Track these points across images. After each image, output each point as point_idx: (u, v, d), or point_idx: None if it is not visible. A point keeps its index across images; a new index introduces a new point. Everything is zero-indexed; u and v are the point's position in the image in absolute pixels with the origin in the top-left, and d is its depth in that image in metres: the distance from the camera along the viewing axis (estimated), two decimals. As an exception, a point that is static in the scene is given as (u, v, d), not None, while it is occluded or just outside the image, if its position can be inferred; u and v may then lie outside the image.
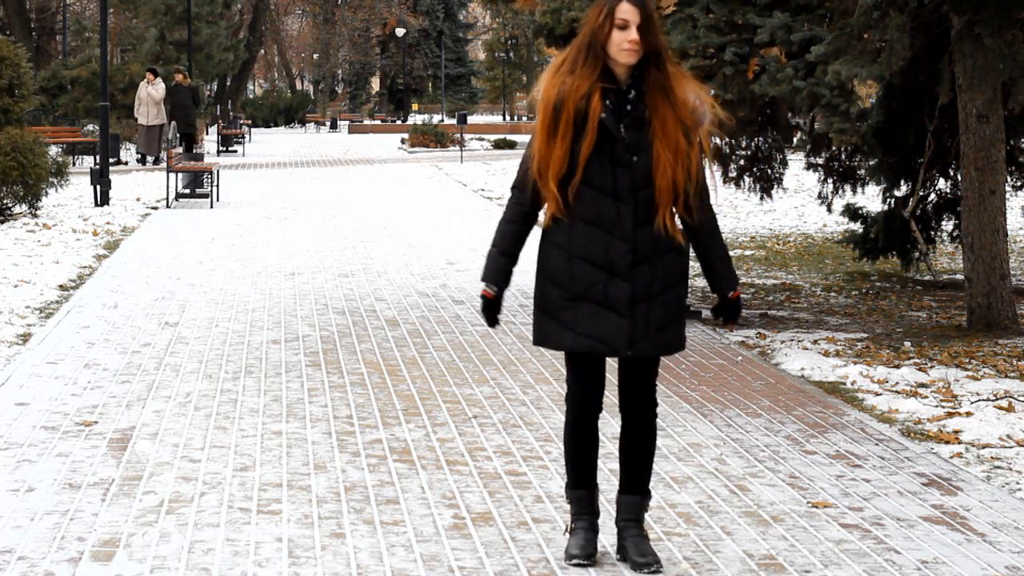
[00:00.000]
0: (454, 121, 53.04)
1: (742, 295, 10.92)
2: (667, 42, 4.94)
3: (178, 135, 31.52)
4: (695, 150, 4.87)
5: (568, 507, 5.21)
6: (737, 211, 21.71)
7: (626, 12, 4.79)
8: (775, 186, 12.91)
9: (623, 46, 4.80)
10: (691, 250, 5.05)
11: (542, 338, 5.04)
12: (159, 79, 32.12)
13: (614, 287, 4.88)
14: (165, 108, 31.78)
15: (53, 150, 24.15)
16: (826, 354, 9.53)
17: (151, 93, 31.67)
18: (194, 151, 29.95)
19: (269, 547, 5.32)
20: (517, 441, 7.03)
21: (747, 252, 16.32)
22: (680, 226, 4.96)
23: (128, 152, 35.19)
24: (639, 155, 4.85)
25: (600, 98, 4.83)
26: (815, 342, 10.01)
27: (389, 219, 20.09)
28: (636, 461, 5.11)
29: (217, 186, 22.77)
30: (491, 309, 5.04)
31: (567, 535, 5.20)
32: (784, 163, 12.92)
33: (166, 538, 5.42)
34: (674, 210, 4.93)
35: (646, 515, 5.19)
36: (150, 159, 32.50)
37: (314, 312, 11.26)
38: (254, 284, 12.95)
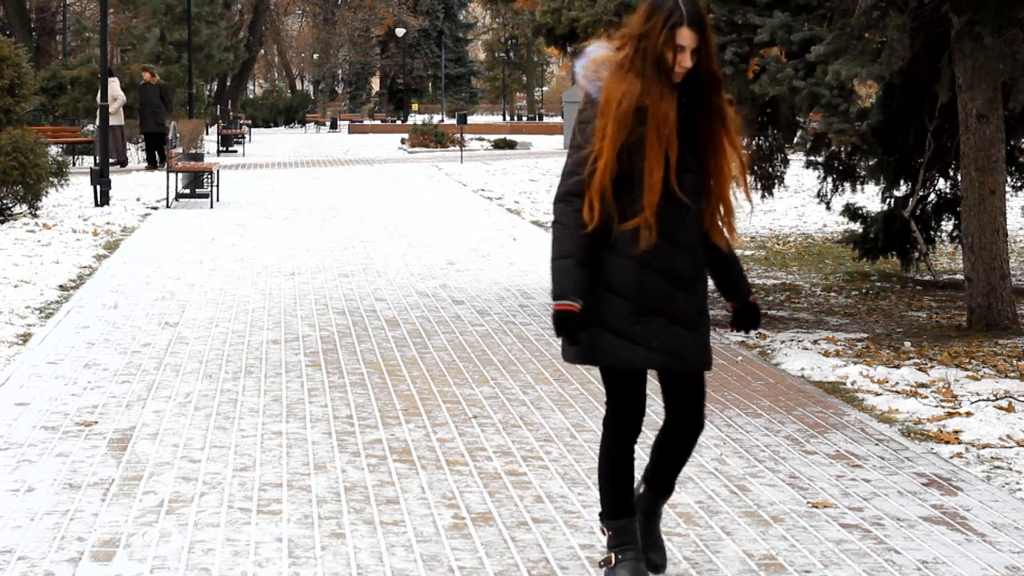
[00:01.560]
0: (454, 121, 53.06)
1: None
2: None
3: (149, 134, 30.97)
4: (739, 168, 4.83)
5: (604, 536, 4.94)
6: (737, 210, 21.69)
7: (685, 37, 4.61)
8: (777, 184, 12.92)
9: (678, 69, 4.65)
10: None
11: (603, 355, 4.69)
12: (114, 78, 30.55)
13: (681, 299, 4.70)
14: (148, 109, 30.42)
15: (53, 150, 24.15)
16: (826, 354, 9.53)
17: (112, 93, 29.53)
18: (164, 153, 29.20)
19: (269, 547, 5.32)
20: (517, 441, 7.03)
21: (747, 252, 16.32)
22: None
23: (128, 152, 35.17)
24: (700, 162, 4.73)
25: (674, 108, 4.64)
26: (815, 342, 10.01)
27: (389, 219, 20.09)
28: (671, 464, 4.96)
29: (217, 186, 22.78)
30: (575, 326, 4.63)
31: (606, 567, 4.88)
32: (785, 161, 12.92)
33: (166, 538, 5.42)
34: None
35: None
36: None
37: (314, 312, 11.26)
38: (254, 284, 12.95)
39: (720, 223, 4.80)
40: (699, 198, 4.73)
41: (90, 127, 32.97)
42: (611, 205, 4.62)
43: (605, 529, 4.90)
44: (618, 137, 4.60)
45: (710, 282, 4.92)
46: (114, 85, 29.55)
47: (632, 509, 4.87)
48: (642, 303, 4.66)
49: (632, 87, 4.63)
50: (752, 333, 10.40)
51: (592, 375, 8.72)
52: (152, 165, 31.22)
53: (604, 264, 4.68)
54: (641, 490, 5.02)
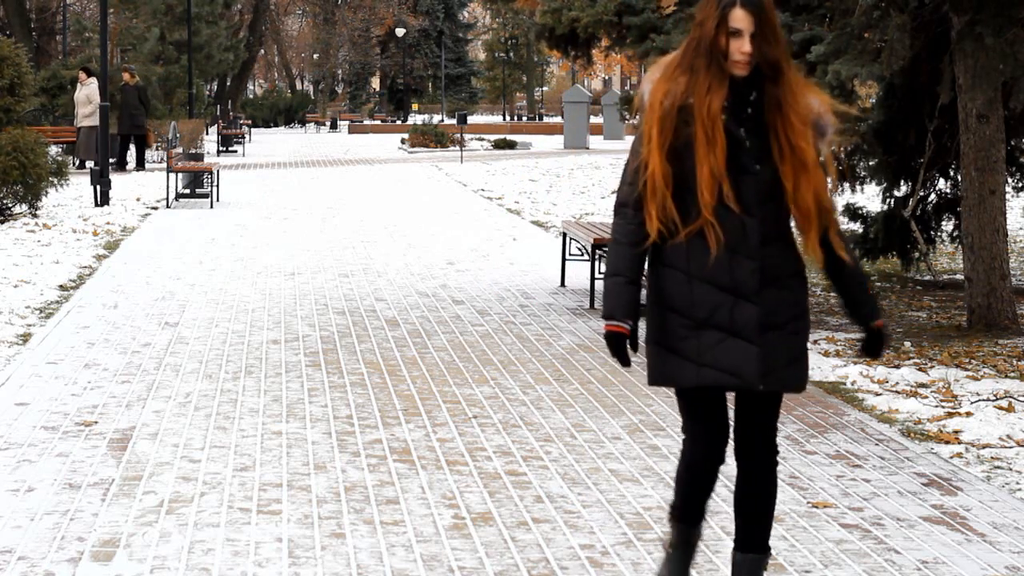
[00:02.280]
0: (454, 121, 53.07)
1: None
2: (785, 50, 4.22)
3: (129, 136, 30.58)
4: (828, 164, 4.35)
5: (668, 526, 4.63)
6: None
7: (739, 20, 4.19)
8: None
9: (734, 57, 4.22)
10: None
11: (660, 376, 4.38)
12: (92, 79, 29.23)
13: (740, 310, 4.26)
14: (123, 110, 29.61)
15: (53, 150, 24.14)
16: (826, 354, 9.53)
17: (88, 95, 28.98)
18: (145, 155, 28.69)
19: (269, 547, 5.32)
20: (517, 441, 7.03)
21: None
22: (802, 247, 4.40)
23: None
24: (763, 164, 4.26)
25: (722, 103, 4.24)
26: (815, 342, 10.01)
27: (389, 219, 20.09)
28: (755, 515, 4.48)
29: (217, 186, 22.78)
30: (624, 346, 4.33)
31: (665, 551, 4.63)
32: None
33: (166, 538, 5.42)
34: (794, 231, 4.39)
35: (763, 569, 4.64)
36: (89, 163, 29.14)
37: (314, 312, 11.26)
38: (254, 284, 12.95)
39: (818, 232, 4.33)
40: (767, 203, 4.28)
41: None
42: (672, 213, 4.26)
43: (670, 518, 4.60)
44: (662, 140, 4.25)
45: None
46: (92, 86, 29.08)
47: (698, 521, 4.53)
48: (694, 316, 4.29)
49: (676, 85, 4.27)
50: None
51: (592, 375, 8.73)
52: (122, 167, 30.57)
53: (661, 279, 4.34)
54: (736, 559, 4.56)
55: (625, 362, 4.35)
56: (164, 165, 25.33)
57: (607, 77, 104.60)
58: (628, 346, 4.32)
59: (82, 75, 29.56)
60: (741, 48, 4.20)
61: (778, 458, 4.47)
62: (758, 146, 4.26)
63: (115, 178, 28.09)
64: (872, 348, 4.47)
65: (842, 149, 13.01)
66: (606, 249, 12.64)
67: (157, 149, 33.69)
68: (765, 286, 4.28)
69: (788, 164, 4.25)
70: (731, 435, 4.45)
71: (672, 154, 4.26)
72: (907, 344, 9.88)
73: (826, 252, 4.36)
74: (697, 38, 4.26)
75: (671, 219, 4.27)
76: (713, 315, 4.28)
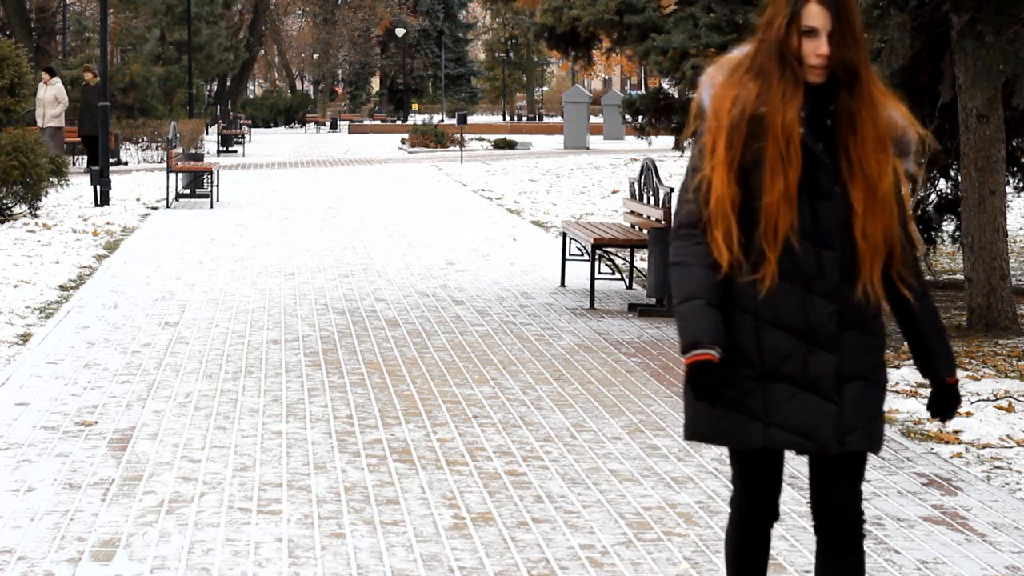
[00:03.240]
0: (454, 121, 53.07)
1: None
2: (866, 55, 3.37)
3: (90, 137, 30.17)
4: (904, 186, 3.74)
5: None
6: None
7: (814, 17, 3.61)
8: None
9: (809, 60, 3.62)
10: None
11: (711, 432, 3.74)
12: (56, 79, 28.59)
13: (816, 360, 3.65)
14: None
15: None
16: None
17: (56, 95, 28.17)
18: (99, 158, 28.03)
19: (269, 547, 5.32)
20: (517, 441, 7.03)
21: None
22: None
23: (128, 153, 35.19)
24: (841, 186, 3.66)
25: (798, 114, 3.63)
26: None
27: (389, 219, 20.09)
28: None
29: (217, 186, 22.78)
30: (718, 378, 3.64)
31: None
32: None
33: (166, 538, 5.42)
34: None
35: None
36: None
37: (314, 312, 11.26)
38: (254, 284, 12.95)
39: (892, 268, 3.74)
40: (847, 232, 3.67)
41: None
42: (737, 243, 3.65)
43: None
44: (729, 156, 3.63)
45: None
46: (58, 86, 28.30)
47: None
48: (761, 366, 3.66)
49: (745, 91, 3.66)
50: None
51: (592, 375, 8.72)
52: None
53: (728, 324, 3.70)
54: None
55: (716, 400, 3.66)
56: (164, 165, 25.32)
57: (607, 77, 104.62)
58: (719, 378, 3.63)
59: (46, 75, 28.69)
60: (817, 50, 3.61)
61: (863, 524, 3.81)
62: (838, 165, 3.67)
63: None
64: (943, 407, 3.85)
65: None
66: (607, 249, 12.68)
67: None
68: (845, 330, 3.68)
69: (859, 188, 3.65)
70: (781, 486, 3.93)
71: (739, 173, 3.66)
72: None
73: (889, 289, 3.78)
74: (766, 39, 3.67)
75: (736, 251, 3.66)
76: (784, 365, 3.67)
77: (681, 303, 3.67)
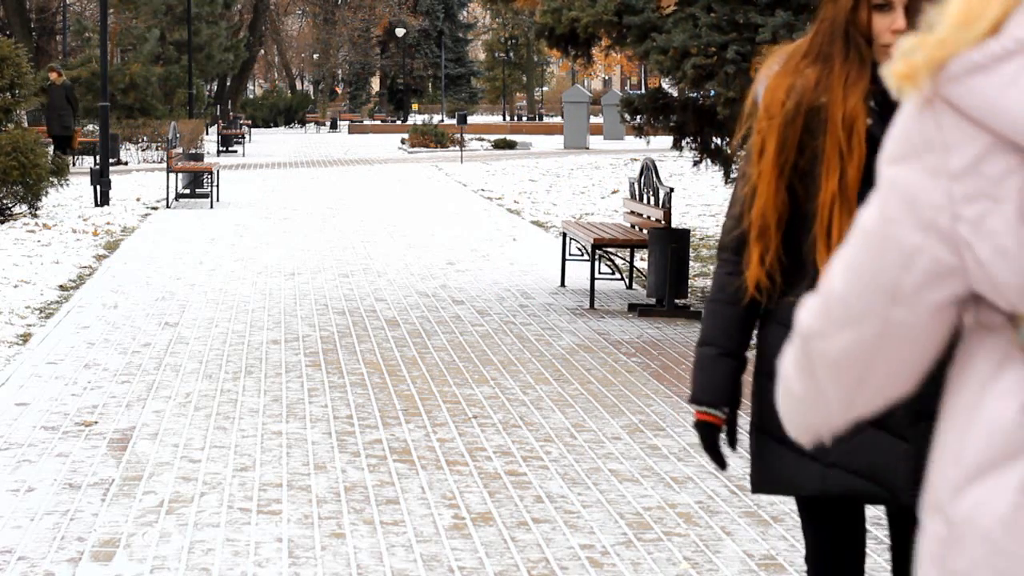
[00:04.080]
0: (454, 121, 53.08)
1: None
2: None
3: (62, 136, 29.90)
4: None
5: None
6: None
7: None
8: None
9: (882, 39, 3.02)
10: None
11: (768, 478, 3.23)
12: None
13: None
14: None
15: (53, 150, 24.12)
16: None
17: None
18: (72, 156, 27.62)
19: (269, 547, 5.32)
20: (517, 441, 7.03)
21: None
22: None
23: (128, 153, 35.19)
24: None
25: (863, 100, 3.04)
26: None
27: (389, 219, 20.09)
28: None
29: (217, 186, 22.78)
30: (718, 441, 3.29)
31: None
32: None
33: (166, 538, 5.42)
34: None
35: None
36: None
37: (314, 312, 11.26)
38: (254, 284, 12.95)
39: None
40: None
41: (90, 127, 32.94)
42: (776, 265, 3.12)
43: None
44: (780, 158, 3.09)
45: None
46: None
47: None
48: None
49: (803, 79, 3.09)
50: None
51: (592, 375, 8.72)
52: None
53: (773, 343, 3.13)
54: None
55: (720, 463, 3.30)
56: (164, 165, 25.31)
57: (607, 77, 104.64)
58: (723, 441, 3.30)
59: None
60: (893, 25, 2.99)
61: None
62: None
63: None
64: None
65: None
66: (607, 249, 12.68)
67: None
68: None
69: None
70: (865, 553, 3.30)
71: (793, 178, 3.10)
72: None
73: None
74: (830, 18, 3.09)
75: (775, 276, 3.13)
76: None
77: (698, 345, 3.32)
